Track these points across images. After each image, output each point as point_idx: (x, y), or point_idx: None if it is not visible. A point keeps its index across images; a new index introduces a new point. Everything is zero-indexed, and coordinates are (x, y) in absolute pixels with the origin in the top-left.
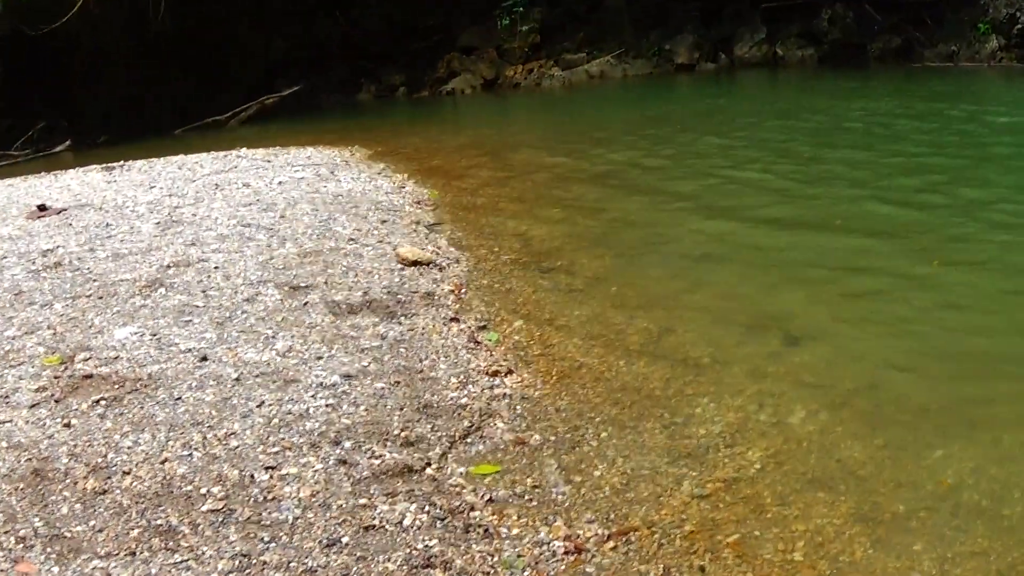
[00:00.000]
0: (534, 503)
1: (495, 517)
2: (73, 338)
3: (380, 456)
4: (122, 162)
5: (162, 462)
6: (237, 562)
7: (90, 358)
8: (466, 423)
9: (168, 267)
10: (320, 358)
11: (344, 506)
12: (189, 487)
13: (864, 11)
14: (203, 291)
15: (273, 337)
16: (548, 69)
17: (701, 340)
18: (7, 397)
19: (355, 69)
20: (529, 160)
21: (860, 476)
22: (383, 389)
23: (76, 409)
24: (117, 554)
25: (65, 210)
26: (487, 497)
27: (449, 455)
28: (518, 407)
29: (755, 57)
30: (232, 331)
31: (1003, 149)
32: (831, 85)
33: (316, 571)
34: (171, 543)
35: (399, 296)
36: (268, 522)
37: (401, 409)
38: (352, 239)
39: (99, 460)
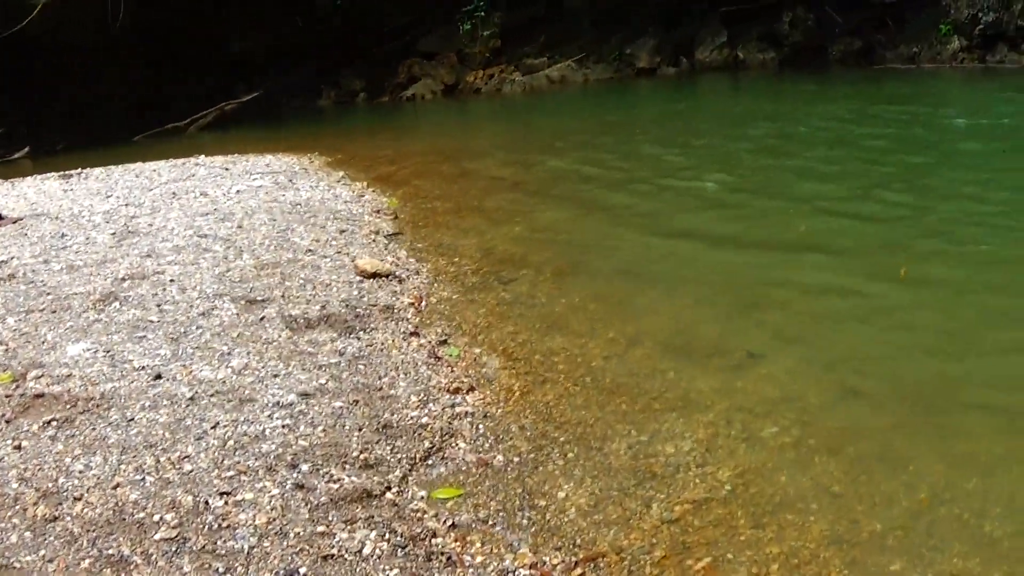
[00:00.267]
0: (498, 528)
1: (458, 544)
2: (25, 354)
3: (339, 480)
4: (80, 170)
5: (114, 487)
6: None
7: (42, 376)
8: (427, 444)
9: (123, 280)
10: (277, 376)
11: (302, 534)
12: (142, 514)
13: (825, 13)
14: (158, 305)
15: (229, 354)
16: (509, 74)
17: (666, 353)
18: None
19: (315, 74)
20: (490, 168)
21: (834, 493)
22: (341, 408)
23: (27, 430)
24: None
25: (21, 219)
26: (449, 522)
27: (410, 478)
28: (480, 426)
29: (716, 61)
30: (187, 347)
31: (966, 153)
32: (791, 89)
33: None
34: (123, 574)
35: (358, 310)
36: (223, 551)
37: (360, 429)
38: (310, 250)
39: (50, 485)
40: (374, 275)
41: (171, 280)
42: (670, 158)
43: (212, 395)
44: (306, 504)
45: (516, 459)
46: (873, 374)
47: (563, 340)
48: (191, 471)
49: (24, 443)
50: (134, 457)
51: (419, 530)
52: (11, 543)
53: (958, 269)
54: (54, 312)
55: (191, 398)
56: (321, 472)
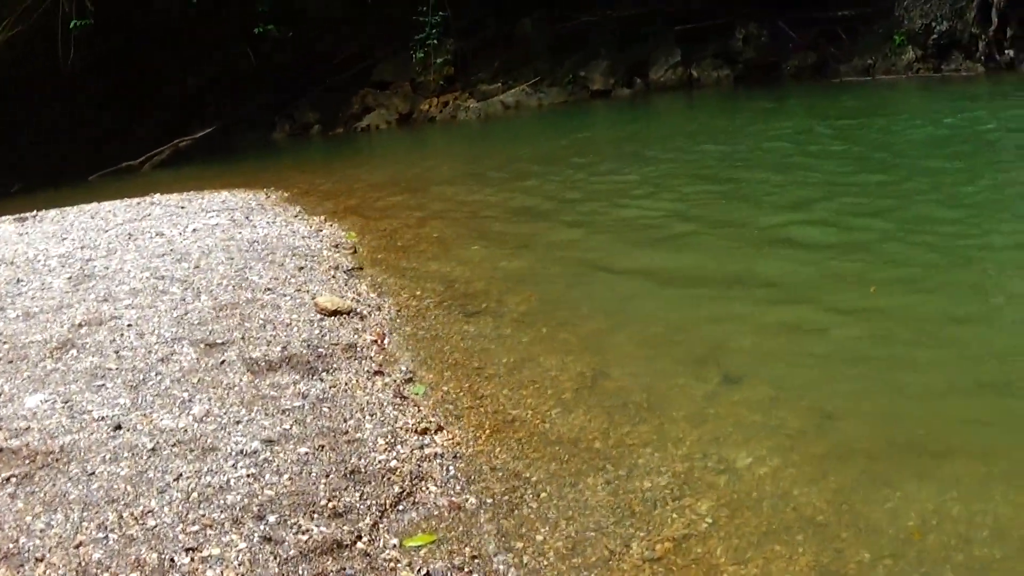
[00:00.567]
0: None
1: None
2: None
3: (307, 531)
4: (35, 212)
5: (76, 546)
6: None
7: (0, 430)
8: (396, 488)
9: (80, 326)
10: (239, 422)
11: None
12: (106, 575)
13: (779, 29)
14: (116, 352)
15: (189, 400)
16: (463, 101)
17: (637, 383)
18: None
19: (269, 107)
20: (447, 197)
21: (818, 524)
22: (307, 454)
23: None
24: None
25: None
26: (424, 571)
27: (380, 525)
28: (451, 467)
29: (671, 80)
30: (147, 395)
31: (925, 163)
32: (746, 106)
33: None
34: None
35: (319, 349)
36: None
37: (327, 476)
38: (269, 289)
39: (10, 546)
40: (335, 312)
41: (129, 325)
42: (625, 184)
43: (174, 445)
44: (275, 558)
45: (489, 501)
46: (851, 397)
47: (531, 374)
48: (155, 526)
49: None
50: (96, 513)
51: None
52: None
53: (927, 286)
54: (11, 362)
55: (152, 449)
56: (289, 523)
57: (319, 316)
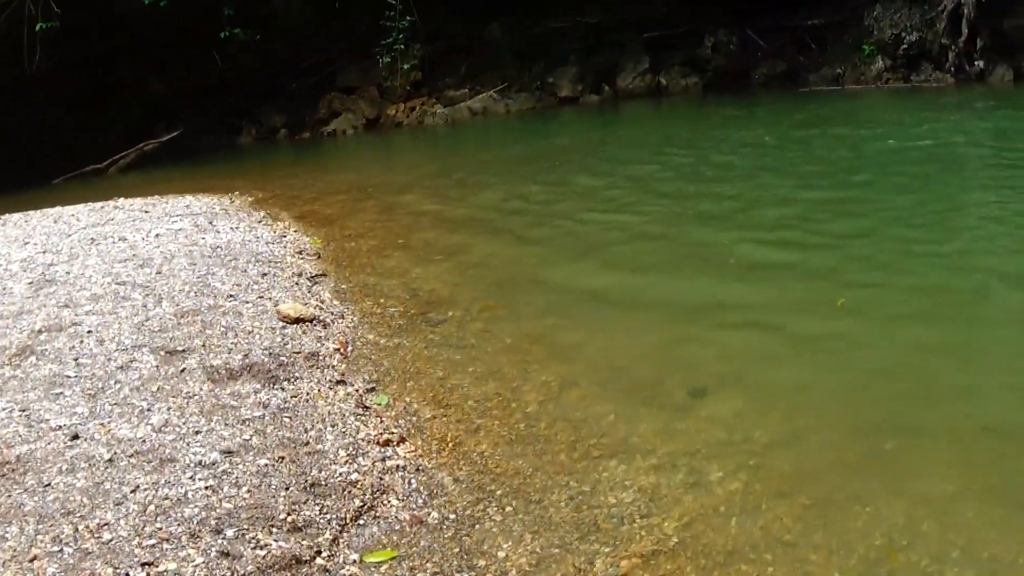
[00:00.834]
0: None
1: None
2: None
3: (266, 545)
4: None
5: (31, 560)
6: None
7: None
8: (357, 502)
9: (39, 332)
10: (199, 432)
11: None
12: None
13: (748, 37)
14: (75, 359)
15: (148, 410)
16: (430, 107)
17: (603, 395)
18: None
19: (235, 111)
20: (413, 203)
21: (787, 543)
22: (267, 466)
23: None
24: None
25: None
26: None
27: (341, 540)
28: (413, 480)
29: (639, 88)
30: (105, 404)
31: (890, 176)
32: (712, 113)
33: None
34: None
35: (281, 358)
36: None
37: (287, 489)
38: (231, 295)
39: None
40: (297, 320)
41: (89, 331)
42: (591, 191)
43: (131, 456)
44: (232, 574)
45: (452, 516)
46: (818, 411)
47: (496, 384)
48: (111, 540)
49: None
50: (51, 526)
51: None
52: None
53: (891, 300)
54: None
55: (110, 460)
56: (247, 537)
57: (281, 324)
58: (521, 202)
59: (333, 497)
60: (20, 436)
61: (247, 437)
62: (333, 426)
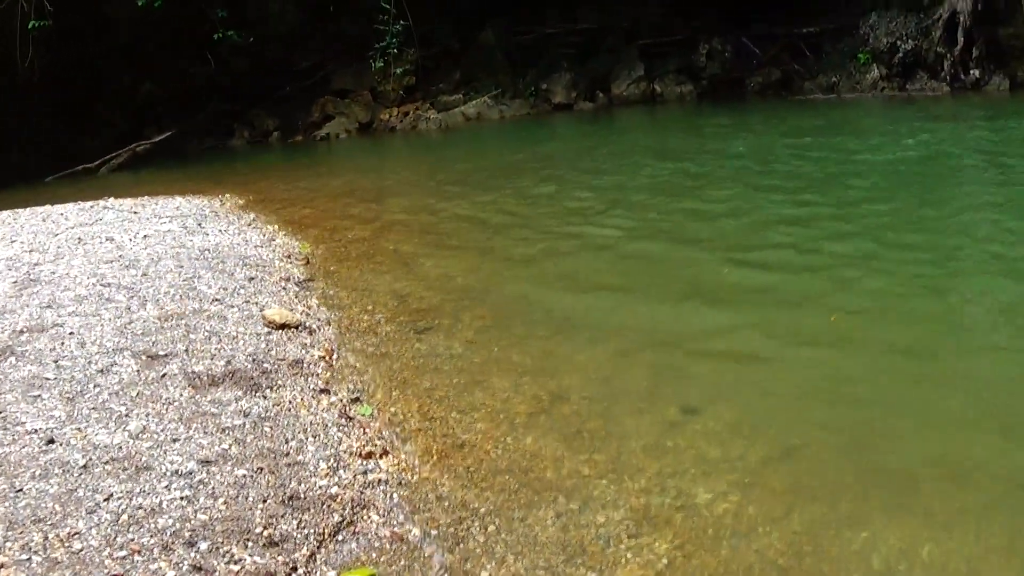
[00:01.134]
0: None
1: None
2: None
3: (240, 560)
4: None
5: None
6: None
7: None
8: (336, 517)
9: (21, 332)
10: (176, 440)
11: None
12: None
13: (743, 45)
14: (55, 361)
15: (127, 415)
16: (424, 111)
17: (594, 410)
18: None
19: (228, 113)
20: (405, 209)
21: (781, 567)
22: (244, 477)
23: None
24: None
25: None
26: None
27: (318, 556)
28: (395, 495)
29: (634, 95)
30: (83, 408)
31: (884, 186)
32: (707, 122)
33: None
34: None
35: (265, 365)
36: None
37: (264, 501)
38: (217, 299)
39: None
40: (283, 326)
41: (71, 333)
42: (582, 200)
43: (107, 462)
44: None
45: (434, 533)
46: (813, 429)
47: (483, 396)
48: (81, 550)
49: None
50: (21, 533)
51: None
52: None
53: (884, 321)
54: None
55: (84, 466)
56: (221, 551)
57: (267, 329)
58: (514, 211)
59: (312, 511)
60: None
61: (226, 446)
62: (315, 437)
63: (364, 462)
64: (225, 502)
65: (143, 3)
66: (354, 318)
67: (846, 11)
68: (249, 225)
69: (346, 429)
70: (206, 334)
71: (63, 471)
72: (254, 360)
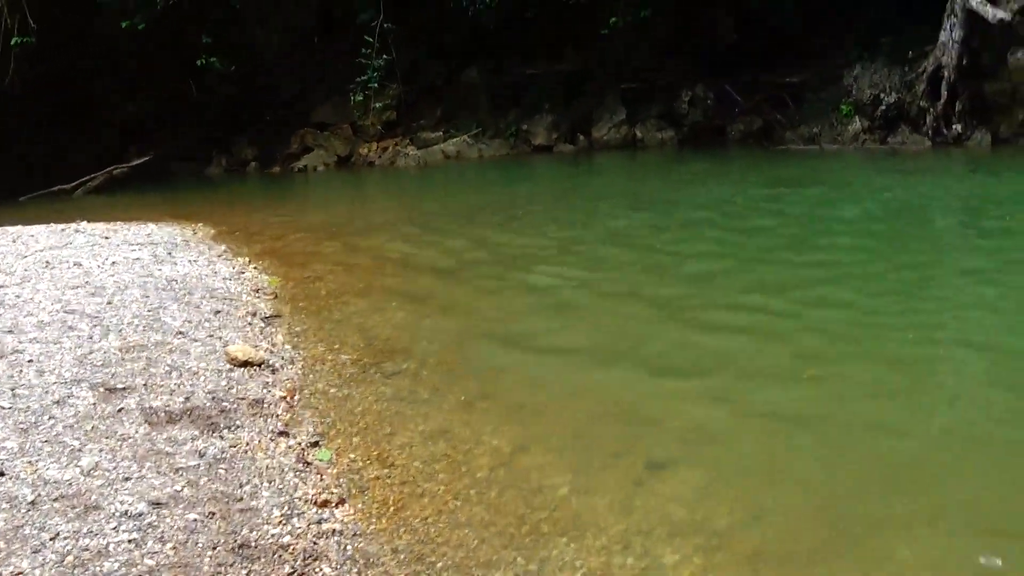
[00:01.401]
0: None
1: None
2: None
3: None
4: None
5: None
6: None
7: None
8: (287, 568)
9: None
10: (128, 479)
11: None
12: None
13: (725, 92)
14: (12, 389)
15: (80, 450)
16: (403, 147)
17: (558, 464)
18: None
19: (207, 141)
20: (378, 247)
21: None
22: (195, 522)
23: None
24: None
25: None
26: None
27: None
28: (349, 547)
29: (614, 139)
30: (36, 440)
31: (858, 240)
32: (685, 169)
33: None
34: None
35: (224, 403)
36: None
37: (214, 548)
38: (181, 332)
39: None
40: (245, 363)
41: (30, 360)
42: (559, 242)
43: (55, 499)
44: None
45: None
46: (782, 491)
47: (446, 445)
48: None
49: None
50: None
51: None
52: None
53: (857, 375)
54: None
55: (32, 502)
56: None
57: (229, 366)
58: (487, 252)
59: (262, 561)
60: None
61: (178, 488)
62: (270, 482)
63: (319, 511)
64: (174, 547)
65: (127, 24)
66: (319, 357)
67: (830, 62)
68: (219, 256)
69: (303, 475)
70: (167, 368)
71: (11, 506)
72: (214, 398)
